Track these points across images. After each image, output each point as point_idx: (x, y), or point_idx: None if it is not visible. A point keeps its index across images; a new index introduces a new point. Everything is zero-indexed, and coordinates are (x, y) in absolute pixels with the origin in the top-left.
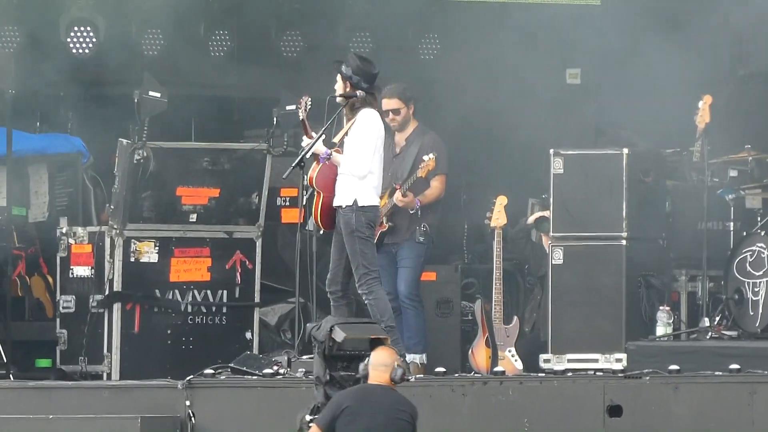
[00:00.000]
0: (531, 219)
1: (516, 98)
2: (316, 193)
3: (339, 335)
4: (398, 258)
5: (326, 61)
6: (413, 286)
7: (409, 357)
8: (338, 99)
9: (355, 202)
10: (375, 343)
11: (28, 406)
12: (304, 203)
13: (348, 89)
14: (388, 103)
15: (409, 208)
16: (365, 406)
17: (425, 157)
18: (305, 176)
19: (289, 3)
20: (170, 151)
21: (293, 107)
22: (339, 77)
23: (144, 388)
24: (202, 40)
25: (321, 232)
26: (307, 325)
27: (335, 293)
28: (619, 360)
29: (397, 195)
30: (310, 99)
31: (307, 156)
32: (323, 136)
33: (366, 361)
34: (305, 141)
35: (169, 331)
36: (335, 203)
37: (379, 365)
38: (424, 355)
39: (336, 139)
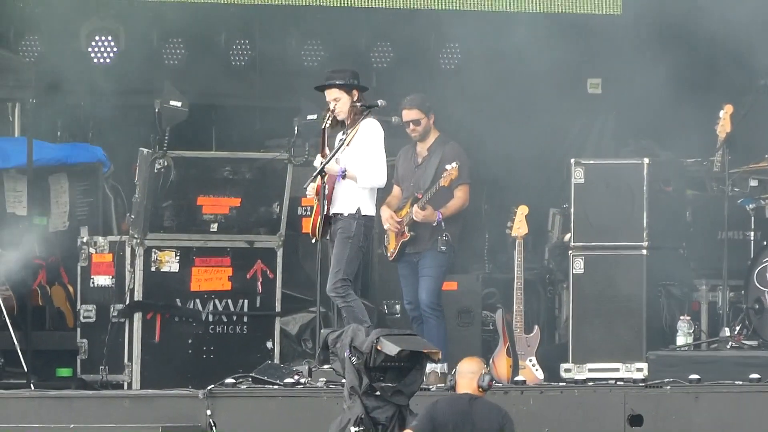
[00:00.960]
0: (566, 237)
1: (537, 107)
2: (317, 203)
3: (392, 349)
4: (420, 267)
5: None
6: (435, 296)
7: (429, 366)
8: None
9: (358, 210)
10: (424, 356)
11: (49, 416)
12: (325, 213)
13: (356, 98)
14: (408, 114)
15: (429, 221)
16: (464, 423)
17: (448, 166)
18: (326, 186)
19: (310, 12)
20: (191, 160)
21: (314, 116)
22: (339, 92)
23: (165, 398)
24: (222, 50)
25: (313, 241)
26: (323, 330)
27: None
28: (639, 369)
29: (415, 209)
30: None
31: (323, 174)
32: (336, 154)
33: (453, 371)
34: (318, 160)
35: (189, 341)
36: (334, 210)
37: (467, 372)
38: (445, 365)
39: (339, 153)
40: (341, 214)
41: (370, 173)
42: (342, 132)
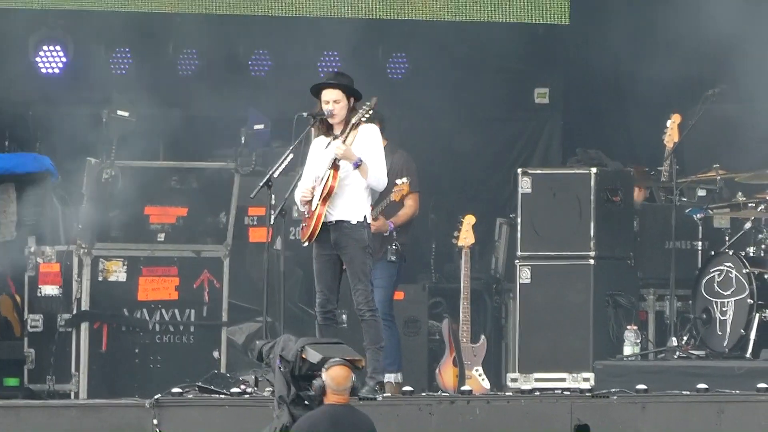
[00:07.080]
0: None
1: (484, 117)
2: (320, 204)
3: (314, 356)
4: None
5: (295, 80)
6: (387, 306)
7: (387, 377)
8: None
9: (365, 218)
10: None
11: None
12: (272, 222)
13: (351, 104)
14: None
15: (382, 231)
16: None
17: (398, 182)
18: (272, 196)
19: (258, 23)
20: (138, 170)
21: (261, 126)
22: (342, 95)
23: (112, 407)
24: (170, 59)
25: (305, 245)
26: (257, 342)
27: (330, 312)
28: (586, 379)
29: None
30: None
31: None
32: (291, 156)
33: (321, 381)
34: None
35: (136, 350)
36: (340, 217)
37: (342, 390)
38: (399, 374)
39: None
40: (348, 222)
41: (379, 173)
42: (331, 137)
